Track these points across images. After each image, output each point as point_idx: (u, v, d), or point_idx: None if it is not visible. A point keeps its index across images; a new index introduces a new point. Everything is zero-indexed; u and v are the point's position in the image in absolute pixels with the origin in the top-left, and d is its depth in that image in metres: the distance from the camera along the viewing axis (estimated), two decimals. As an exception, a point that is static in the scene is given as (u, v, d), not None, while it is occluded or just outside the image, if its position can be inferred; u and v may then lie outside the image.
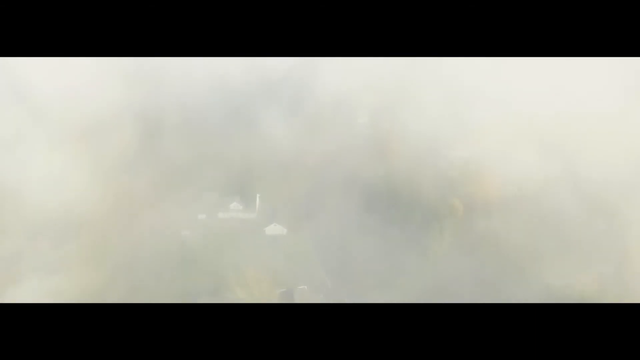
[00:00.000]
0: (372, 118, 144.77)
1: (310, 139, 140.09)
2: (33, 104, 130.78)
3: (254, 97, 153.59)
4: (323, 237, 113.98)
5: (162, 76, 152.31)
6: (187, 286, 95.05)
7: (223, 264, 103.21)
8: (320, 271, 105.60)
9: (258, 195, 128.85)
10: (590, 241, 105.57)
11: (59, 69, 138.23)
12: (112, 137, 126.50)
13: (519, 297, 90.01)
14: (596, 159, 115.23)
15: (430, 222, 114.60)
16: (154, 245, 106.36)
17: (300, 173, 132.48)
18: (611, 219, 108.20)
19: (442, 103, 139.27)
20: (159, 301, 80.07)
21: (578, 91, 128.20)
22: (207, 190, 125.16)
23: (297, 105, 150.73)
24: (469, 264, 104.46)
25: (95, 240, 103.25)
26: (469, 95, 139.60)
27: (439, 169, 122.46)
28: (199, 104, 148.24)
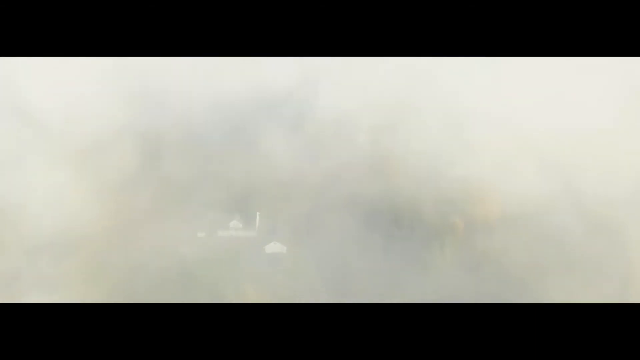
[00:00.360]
0: (372, 136, 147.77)
1: (310, 157, 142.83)
2: (34, 122, 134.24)
3: (254, 115, 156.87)
4: (323, 255, 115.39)
5: (163, 95, 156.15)
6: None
7: (223, 282, 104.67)
8: (320, 289, 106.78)
9: (258, 213, 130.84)
10: (593, 258, 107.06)
11: (61, 88, 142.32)
12: (113, 155, 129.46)
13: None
14: (597, 175, 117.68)
15: (431, 239, 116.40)
16: (154, 263, 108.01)
17: (301, 191, 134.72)
18: (614, 235, 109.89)
19: (442, 121, 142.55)
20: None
21: (577, 107, 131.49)
22: (207, 208, 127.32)
23: (298, 124, 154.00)
24: (470, 281, 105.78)
25: (94, 257, 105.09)
26: (469, 113, 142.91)
27: (439, 187, 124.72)
28: (200, 122, 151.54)
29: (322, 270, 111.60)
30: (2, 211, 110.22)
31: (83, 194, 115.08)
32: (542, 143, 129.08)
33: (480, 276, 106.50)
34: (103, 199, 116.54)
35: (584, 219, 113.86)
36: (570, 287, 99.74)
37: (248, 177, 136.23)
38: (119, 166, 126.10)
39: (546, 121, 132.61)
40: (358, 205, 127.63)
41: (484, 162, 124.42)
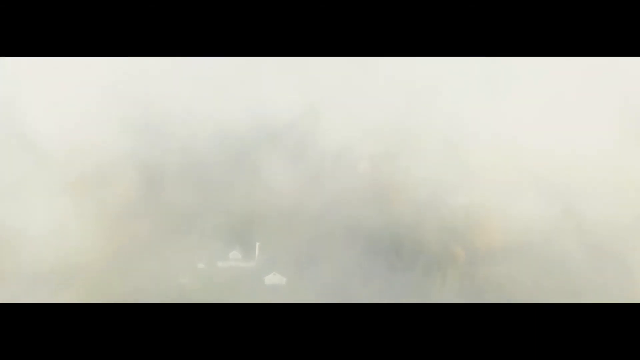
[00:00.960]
0: (373, 166, 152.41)
1: (312, 187, 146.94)
2: (35, 149, 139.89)
3: (256, 145, 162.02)
4: (324, 286, 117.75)
5: (164, 123, 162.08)
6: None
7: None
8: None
9: (258, 244, 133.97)
10: (598, 286, 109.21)
11: (62, 115, 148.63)
12: (114, 184, 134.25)
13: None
14: (600, 199, 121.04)
15: (433, 269, 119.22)
16: (152, 294, 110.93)
17: (302, 221, 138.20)
18: (618, 260, 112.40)
19: (442, 149, 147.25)
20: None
21: (579, 132, 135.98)
22: (207, 238, 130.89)
23: (299, 154, 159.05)
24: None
25: (93, 286, 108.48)
26: (469, 139, 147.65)
27: (441, 215, 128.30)
28: (201, 152, 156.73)
29: (323, 300, 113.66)
30: (1, 239, 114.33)
31: (84, 224, 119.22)
32: (543, 168, 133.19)
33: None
34: (103, 227, 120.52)
35: (588, 245, 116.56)
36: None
37: (249, 207, 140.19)
38: (119, 195, 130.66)
39: (547, 145, 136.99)
40: (359, 235, 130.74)
41: (485, 189, 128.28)
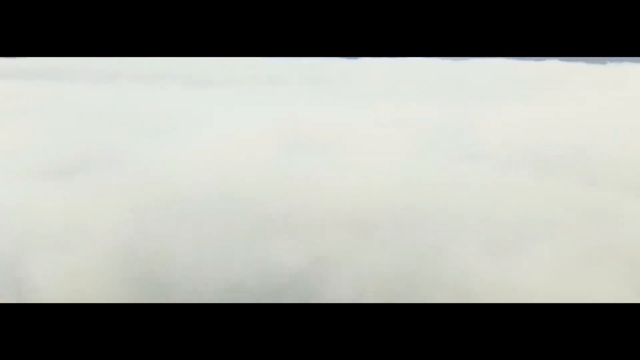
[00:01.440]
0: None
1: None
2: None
3: (260, 300, 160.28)
4: None
5: (170, 279, 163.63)
6: None
7: None
8: None
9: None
10: None
11: (65, 276, 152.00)
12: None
13: None
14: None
15: None
16: None
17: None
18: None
19: (450, 297, 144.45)
20: None
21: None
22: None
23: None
24: None
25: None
26: (477, 296, 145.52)
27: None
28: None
29: None
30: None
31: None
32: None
33: None
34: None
35: None
36: None
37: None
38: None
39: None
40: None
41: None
